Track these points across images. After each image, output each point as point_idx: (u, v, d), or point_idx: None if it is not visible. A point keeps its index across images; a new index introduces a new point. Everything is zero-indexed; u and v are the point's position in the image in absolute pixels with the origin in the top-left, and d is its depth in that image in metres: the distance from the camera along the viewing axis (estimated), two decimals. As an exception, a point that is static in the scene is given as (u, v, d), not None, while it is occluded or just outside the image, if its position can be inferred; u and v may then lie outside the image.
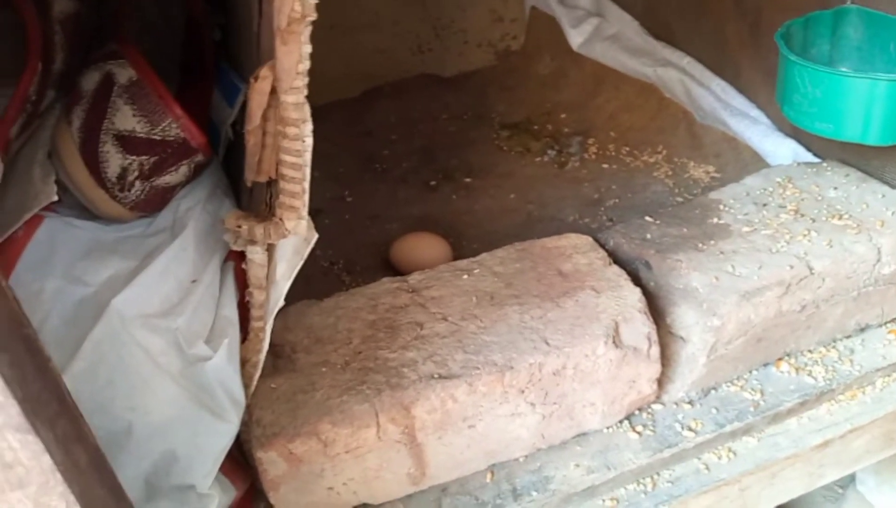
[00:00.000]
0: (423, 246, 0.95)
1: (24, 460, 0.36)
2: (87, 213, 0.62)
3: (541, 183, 1.09)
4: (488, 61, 1.37)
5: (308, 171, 0.54)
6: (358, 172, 1.18)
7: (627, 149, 1.12)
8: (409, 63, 1.34)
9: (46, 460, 0.36)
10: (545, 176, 1.11)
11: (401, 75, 1.34)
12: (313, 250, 0.63)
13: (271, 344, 0.62)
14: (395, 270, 0.93)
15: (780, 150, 0.92)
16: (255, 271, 0.59)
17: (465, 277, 0.75)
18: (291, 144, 0.53)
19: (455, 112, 1.29)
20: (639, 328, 0.67)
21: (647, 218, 0.80)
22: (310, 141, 0.53)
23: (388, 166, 1.18)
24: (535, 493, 0.65)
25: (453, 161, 1.17)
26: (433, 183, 1.13)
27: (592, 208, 1.02)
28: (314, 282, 0.95)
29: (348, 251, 1.00)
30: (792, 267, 0.70)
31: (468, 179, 1.12)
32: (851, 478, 1.03)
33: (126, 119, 0.57)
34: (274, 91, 0.52)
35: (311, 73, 0.50)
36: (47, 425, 0.36)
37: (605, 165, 1.11)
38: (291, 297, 0.62)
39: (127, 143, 0.57)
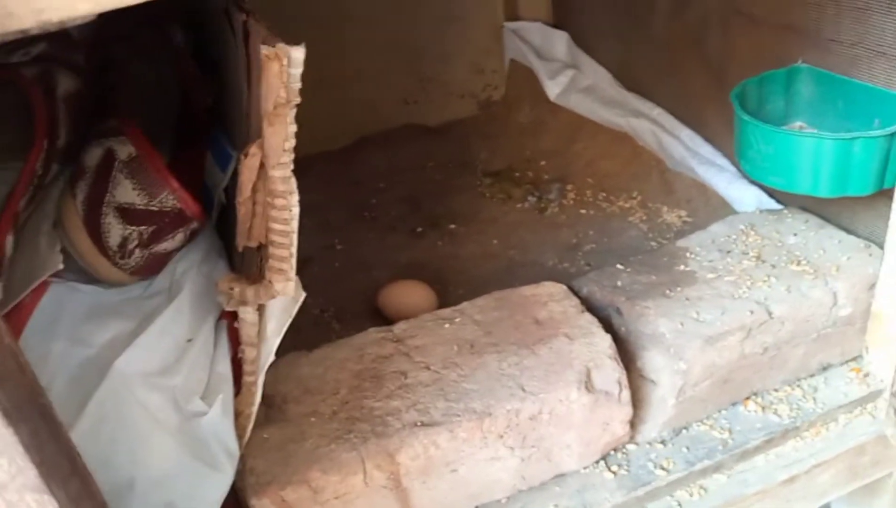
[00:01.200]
0: (409, 293, 0.99)
1: (38, 518, 0.39)
2: (90, 278, 0.66)
3: (522, 228, 1.14)
4: (471, 111, 1.43)
5: (295, 237, 0.59)
6: (347, 220, 1.22)
7: (604, 194, 1.18)
8: (396, 114, 1.40)
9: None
10: (526, 222, 1.16)
11: (388, 126, 1.40)
12: (304, 298, 0.67)
13: (263, 395, 0.66)
14: (383, 316, 0.97)
15: (745, 196, 0.97)
16: (247, 329, 0.63)
17: (447, 325, 0.79)
18: (279, 214, 0.58)
19: (440, 160, 1.34)
20: (609, 373, 0.72)
21: (619, 266, 0.84)
22: (296, 210, 0.58)
23: (377, 214, 1.23)
24: (515, 534, 0.69)
25: (439, 208, 1.22)
26: (420, 230, 1.18)
27: (571, 252, 1.07)
28: (305, 330, 0.99)
29: (338, 299, 1.05)
30: (752, 312, 0.75)
31: (453, 226, 1.17)
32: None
33: (126, 192, 0.61)
34: (262, 166, 0.56)
35: (301, 124, 0.54)
36: (61, 485, 0.40)
37: (583, 211, 1.16)
38: (283, 345, 0.66)
39: (127, 214, 0.61)
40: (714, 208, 1.05)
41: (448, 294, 1.01)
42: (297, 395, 0.73)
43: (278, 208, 0.58)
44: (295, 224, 0.58)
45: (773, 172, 0.76)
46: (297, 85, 0.53)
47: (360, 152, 1.38)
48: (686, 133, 1.08)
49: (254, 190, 0.59)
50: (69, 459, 0.41)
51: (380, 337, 0.79)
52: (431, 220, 1.20)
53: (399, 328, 0.80)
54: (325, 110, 1.31)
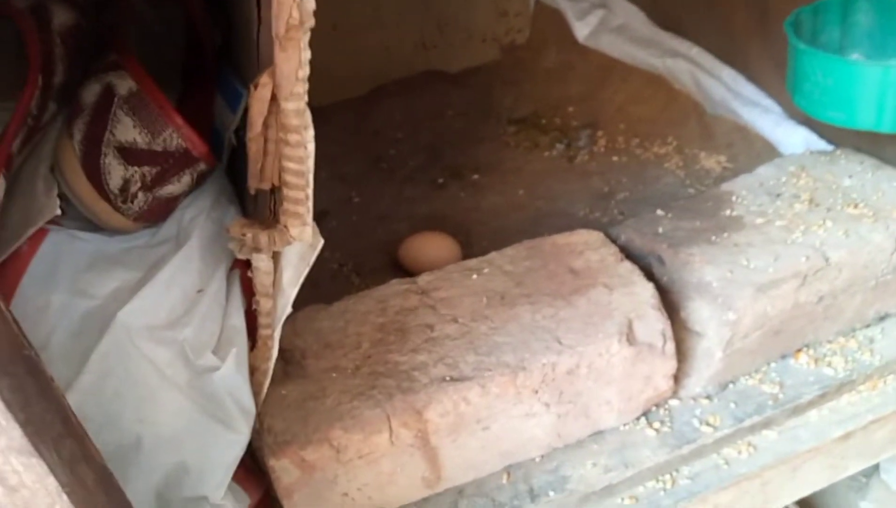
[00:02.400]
0: (432, 245, 0.94)
1: (28, 483, 0.35)
2: (91, 225, 0.61)
3: (550, 178, 1.08)
4: (493, 56, 1.36)
5: (311, 177, 0.54)
6: (364, 172, 1.17)
7: (637, 141, 1.11)
8: (414, 60, 1.33)
9: (52, 482, 0.36)
10: (554, 170, 1.10)
11: (405, 73, 1.33)
12: (321, 252, 0.63)
13: (281, 350, 0.62)
14: (404, 270, 0.92)
15: (792, 138, 0.90)
16: (261, 278, 0.58)
17: (475, 276, 0.74)
18: (293, 151, 0.52)
19: (461, 108, 1.28)
20: (653, 324, 0.66)
21: (659, 212, 0.78)
22: (312, 147, 0.53)
23: (395, 166, 1.18)
24: (552, 493, 0.64)
25: (460, 158, 1.16)
26: (440, 181, 1.12)
27: (603, 201, 1.01)
28: (323, 285, 0.95)
29: (357, 253, 1.00)
30: (808, 258, 0.69)
31: (475, 176, 1.11)
32: (875, 467, 1.01)
33: (127, 131, 0.56)
34: (274, 98, 0.51)
35: (315, 74, 0.50)
36: (51, 446, 0.36)
37: (615, 158, 1.09)
38: (300, 300, 0.61)
39: (128, 154, 0.56)
40: (757, 152, 0.98)
41: (472, 247, 0.96)
42: (316, 350, 0.68)
43: (292, 144, 0.52)
44: (310, 163, 0.53)
45: (831, 107, 0.70)
46: (312, 5, 0.47)
47: (377, 101, 1.32)
48: (727, 73, 1.00)
49: (265, 126, 0.53)
50: (61, 418, 0.37)
51: (403, 289, 0.74)
52: (453, 170, 1.14)
53: (423, 279, 0.75)
54: (340, 58, 1.25)
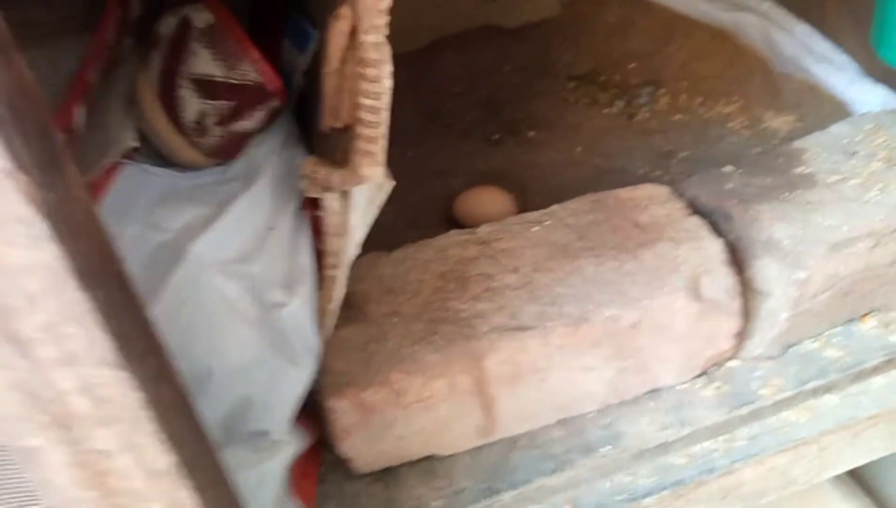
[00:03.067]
0: (488, 200, 0.93)
1: (114, 396, 0.36)
2: (163, 160, 0.62)
3: (609, 135, 1.06)
4: (553, 11, 1.33)
5: (386, 115, 0.53)
6: (419, 126, 1.16)
7: (700, 99, 1.08)
8: (473, 14, 1.31)
9: (136, 397, 0.36)
10: (613, 128, 1.07)
11: (463, 27, 1.31)
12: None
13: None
14: (459, 225, 0.92)
15: (869, 97, 0.87)
16: (331, 218, 0.59)
17: (536, 229, 0.73)
18: (370, 87, 0.52)
19: (519, 64, 1.25)
20: (721, 280, 0.65)
21: (728, 168, 0.76)
22: (389, 83, 0.52)
23: (452, 120, 1.16)
24: (606, 448, 0.64)
25: (518, 114, 1.14)
26: (497, 137, 1.11)
27: (664, 160, 0.99)
28: (377, 237, 0.95)
29: (412, 207, 0.99)
30: (884, 218, 0.66)
31: (533, 133, 1.10)
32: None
33: (204, 63, 0.56)
34: (353, 32, 0.50)
35: None
36: (138, 361, 0.36)
37: (677, 116, 1.06)
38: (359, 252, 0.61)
39: (205, 87, 0.57)
40: (827, 112, 0.94)
41: (528, 203, 0.95)
42: (377, 295, 0.69)
43: (369, 79, 0.52)
44: (387, 99, 0.53)
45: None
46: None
47: (433, 56, 1.30)
48: (800, 28, 0.96)
49: (342, 61, 0.53)
50: (146, 335, 0.38)
51: (463, 239, 0.74)
52: (509, 126, 1.13)
53: (483, 230, 0.75)
54: (397, 11, 1.23)
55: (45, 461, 0.37)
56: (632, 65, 1.18)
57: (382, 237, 0.96)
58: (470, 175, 1.04)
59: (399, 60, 1.39)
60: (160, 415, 0.38)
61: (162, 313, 0.52)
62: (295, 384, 0.55)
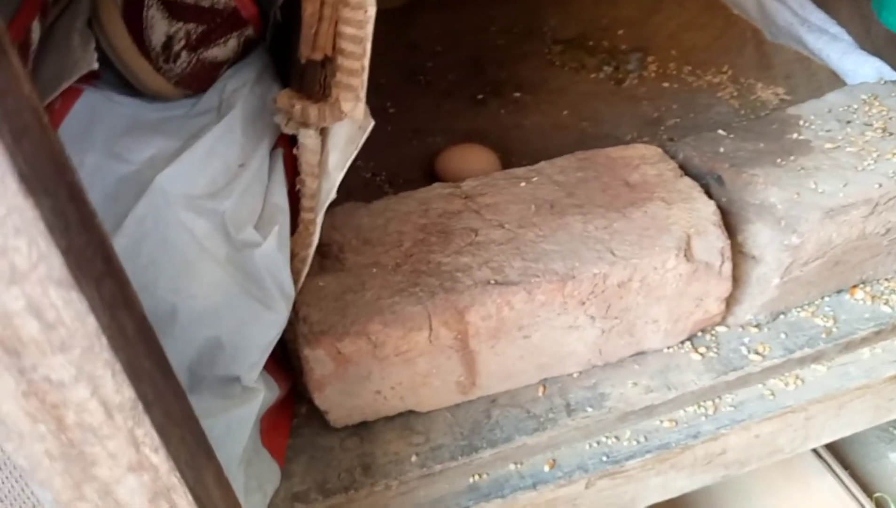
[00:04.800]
0: (472, 157, 0.90)
1: (67, 320, 0.32)
2: (129, 89, 0.57)
3: (596, 100, 1.03)
4: (541, -26, 1.29)
5: (369, 46, 0.50)
6: (401, 83, 1.12)
7: (689, 68, 1.06)
8: (457, -28, 1.27)
9: (91, 322, 0.33)
10: (601, 93, 1.05)
11: (447, -15, 1.27)
12: (354, 160, 0.59)
13: (318, 244, 0.59)
14: (441, 182, 0.89)
15: (863, 69, 0.85)
16: (308, 157, 0.55)
17: (523, 184, 0.70)
18: (353, 14, 0.48)
19: (504, 25, 1.22)
20: (712, 241, 0.63)
21: (721, 131, 0.74)
22: (373, 11, 0.49)
23: (433, 79, 1.13)
24: (589, 409, 0.62)
25: (502, 75, 1.11)
26: (480, 97, 1.07)
27: (651, 127, 0.97)
28: (355, 193, 0.91)
29: (391, 163, 0.96)
30: (880, 185, 0.65)
31: (518, 94, 1.07)
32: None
33: (174, -19, 0.52)
34: (338, -52, 0.46)
35: None
36: (92, 284, 0.33)
37: (666, 84, 1.04)
38: (334, 203, 0.58)
39: (174, 8, 0.52)
40: (819, 84, 0.93)
41: (511, 165, 0.91)
42: (355, 245, 0.65)
43: (352, 6, 0.48)
44: (370, 29, 0.49)
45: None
46: None
47: (416, 13, 1.26)
48: (795, -3, 0.95)
49: (324, -16, 0.49)
50: (104, 256, 0.34)
51: (447, 193, 0.71)
52: (494, 87, 1.09)
53: (468, 184, 0.72)
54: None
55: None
56: (620, 31, 1.15)
57: (359, 193, 0.93)
58: (451, 135, 1.00)
59: (378, 17, 1.34)
60: (118, 344, 0.34)
61: (124, 245, 0.48)
62: (267, 328, 0.51)
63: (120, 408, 0.34)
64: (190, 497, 0.38)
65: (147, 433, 0.35)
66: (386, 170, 0.96)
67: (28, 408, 0.34)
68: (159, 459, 0.36)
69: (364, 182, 0.95)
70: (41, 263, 0.30)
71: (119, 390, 0.34)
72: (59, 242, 0.31)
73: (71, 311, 0.32)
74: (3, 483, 0.40)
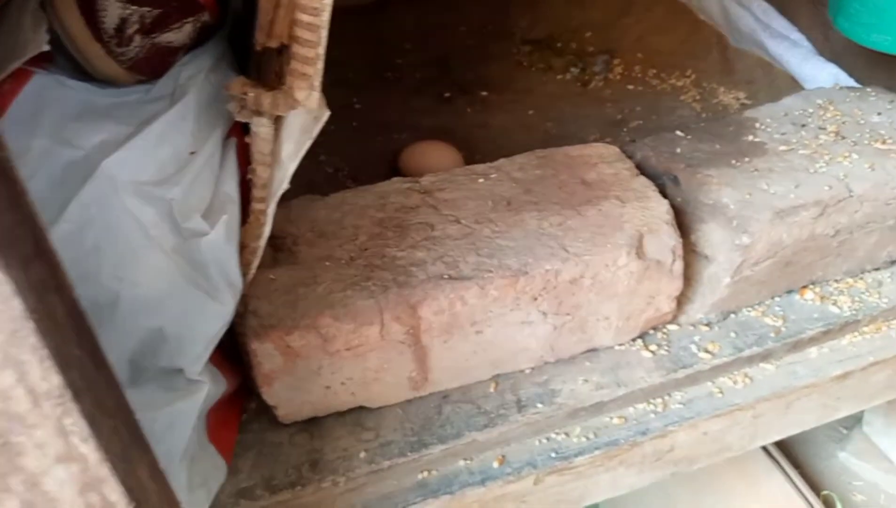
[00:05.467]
0: (435, 154, 0.90)
1: (-8, 303, 0.32)
2: (80, 74, 0.57)
3: (561, 101, 1.04)
4: (511, -25, 1.30)
5: (325, 34, 0.50)
6: (368, 79, 1.12)
7: (654, 71, 1.07)
8: (428, -30, 1.27)
9: (16, 305, 0.32)
10: (567, 94, 1.06)
11: (418, -17, 1.27)
12: (317, 154, 0.59)
13: (271, 236, 0.58)
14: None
15: (821, 74, 0.87)
16: (260, 145, 0.54)
17: (482, 180, 0.71)
18: (309, 1, 0.48)
19: (474, 25, 1.22)
20: (664, 240, 0.63)
21: (678, 133, 0.75)
22: None
23: (401, 76, 1.13)
24: (540, 405, 0.62)
25: (470, 74, 1.11)
26: (447, 95, 1.08)
27: (615, 128, 0.97)
28: (318, 188, 0.91)
29: (354, 158, 0.96)
30: (830, 187, 0.66)
31: (485, 93, 1.07)
32: (857, 419, 1.01)
33: (126, -37, 0.51)
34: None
35: None
36: (19, 265, 0.32)
37: (631, 87, 1.05)
38: (290, 195, 0.57)
39: (126, -9, 0.52)
40: (779, 89, 0.94)
41: (475, 163, 0.92)
42: (309, 238, 0.65)
43: (307, -7, 0.48)
44: (326, 17, 0.49)
45: (878, 29, 0.66)
46: None
47: (386, 10, 1.26)
48: (757, 4, 0.96)
49: (278, -29, 0.49)
50: (34, 238, 0.33)
51: (405, 187, 0.71)
52: (461, 85, 1.10)
53: (427, 179, 0.72)
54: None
55: None
56: (588, 34, 1.16)
57: (321, 188, 0.93)
58: (418, 131, 1.00)
59: (349, 12, 1.34)
60: (46, 329, 0.34)
61: (67, 231, 0.48)
62: (213, 319, 0.51)
63: (47, 396, 0.34)
64: (122, 489, 0.37)
65: (76, 422, 0.35)
66: (349, 165, 0.95)
67: (-49, 392, 0.33)
68: (88, 449, 0.36)
69: (327, 177, 0.94)
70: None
71: (46, 377, 0.33)
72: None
73: (-5, 294, 0.32)
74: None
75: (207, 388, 0.52)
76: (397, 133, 1.00)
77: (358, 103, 1.07)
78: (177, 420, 0.49)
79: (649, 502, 0.88)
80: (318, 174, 0.95)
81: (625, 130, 0.97)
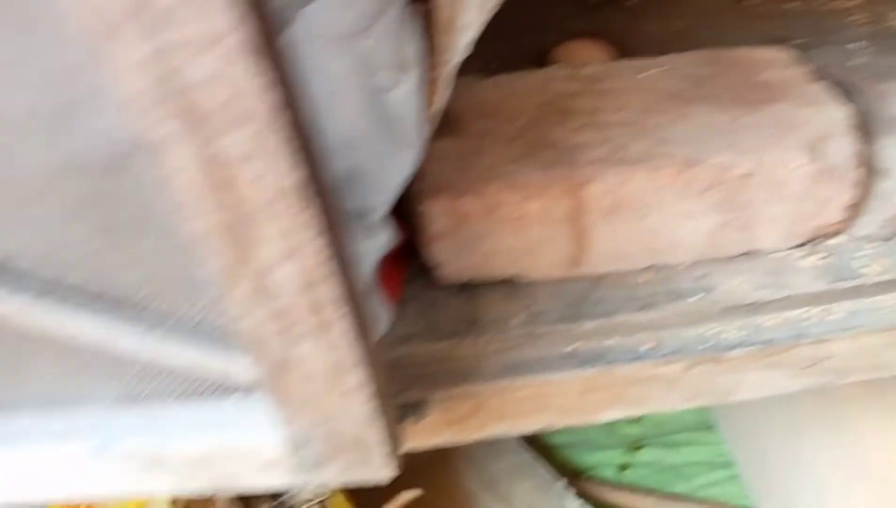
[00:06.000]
0: (587, 55, 0.88)
1: (248, 94, 0.34)
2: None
3: (716, 14, 0.99)
4: None
5: None
6: (514, -18, 1.10)
7: (820, -9, 1.01)
8: None
9: (272, 98, 0.34)
10: (721, 8, 1.01)
11: None
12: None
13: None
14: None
15: None
16: (441, 13, 0.55)
17: (644, 74, 0.69)
18: None
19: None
20: (844, 145, 0.61)
21: (858, 43, 0.71)
22: None
23: (547, -20, 1.10)
24: (695, 297, 0.61)
25: (617, -18, 1.08)
26: (593, 2, 1.05)
27: (776, 45, 0.93)
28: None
29: (503, 55, 0.95)
30: None
31: (633, 2, 1.04)
32: None
33: None
34: None
35: None
36: (271, 61, 0.34)
37: (791, 5, 0.99)
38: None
39: None
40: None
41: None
42: (474, 115, 0.66)
43: None
44: None
45: None
46: None
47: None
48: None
49: None
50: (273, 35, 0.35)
51: (566, 74, 0.70)
52: (609, -7, 1.06)
53: (588, 69, 0.71)
54: None
55: (172, 155, 0.34)
56: (747, -53, 1.10)
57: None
58: (563, 35, 0.98)
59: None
60: (292, 122, 0.35)
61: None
62: (403, 163, 0.52)
63: (289, 191, 0.36)
64: (338, 291, 0.39)
65: (310, 220, 0.36)
66: (495, 64, 0.95)
67: (205, 180, 0.35)
68: (314, 249, 0.37)
69: (475, 71, 0.94)
70: (234, 30, 0.31)
71: (291, 171, 0.35)
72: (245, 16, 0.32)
73: (253, 85, 0.33)
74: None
75: (388, 234, 0.54)
76: (543, 35, 0.99)
77: (500, 6, 1.05)
78: (361, 259, 0.51)
79: (773, 414, 0.87)
80: (465, 67, 0.95)
81: (789, 46, 0.93)
